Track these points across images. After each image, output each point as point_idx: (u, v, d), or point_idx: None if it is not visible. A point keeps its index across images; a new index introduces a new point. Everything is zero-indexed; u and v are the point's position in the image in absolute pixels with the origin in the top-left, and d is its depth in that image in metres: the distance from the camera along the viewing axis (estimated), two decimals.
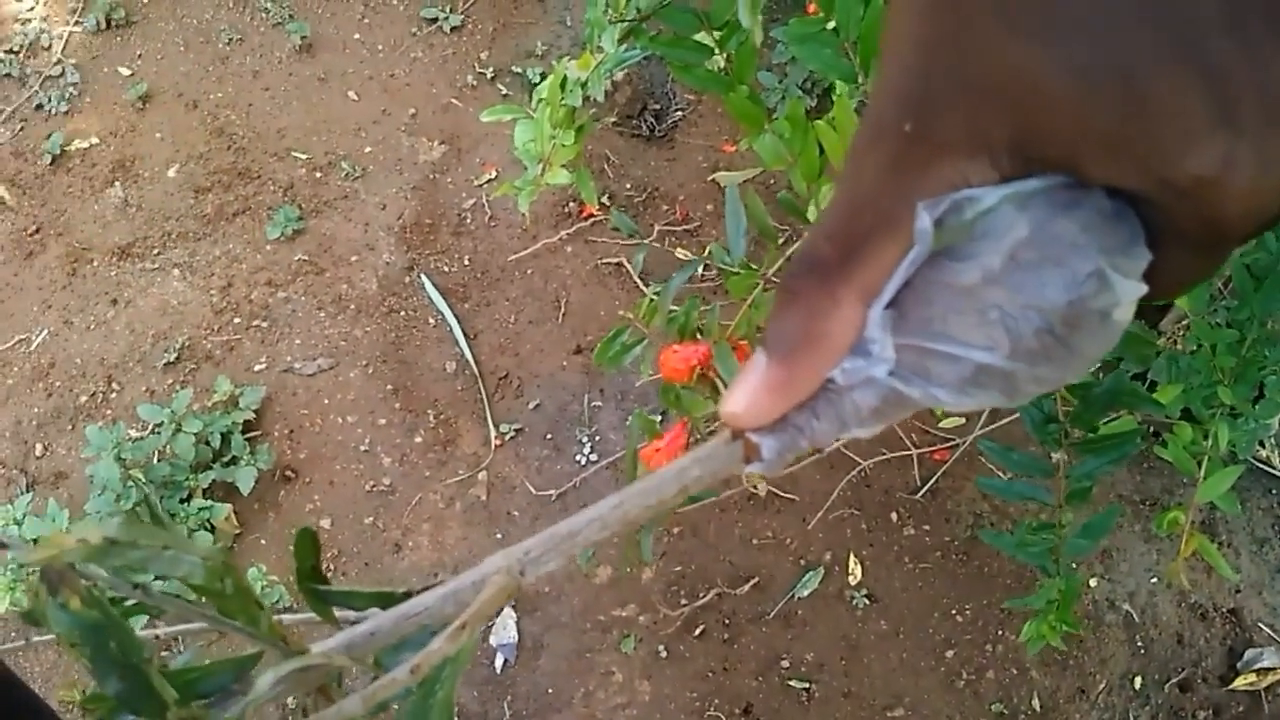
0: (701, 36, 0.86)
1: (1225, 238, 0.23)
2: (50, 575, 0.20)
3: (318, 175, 2.35)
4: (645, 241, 1.00)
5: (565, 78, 0.97)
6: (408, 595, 0.27)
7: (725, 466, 0.29)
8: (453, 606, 0.26)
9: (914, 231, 0.24)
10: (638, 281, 2.16)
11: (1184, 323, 1.40)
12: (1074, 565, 0.94)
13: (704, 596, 1.86)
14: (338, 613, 0.31)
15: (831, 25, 0.76)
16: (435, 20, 2.57)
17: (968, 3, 0.22)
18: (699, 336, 0.88)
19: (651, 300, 0.91)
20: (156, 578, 0.22)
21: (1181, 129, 0.21)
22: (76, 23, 2.56)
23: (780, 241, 0.92)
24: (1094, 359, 0.25)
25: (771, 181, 2.19)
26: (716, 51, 0.86)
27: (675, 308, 0.91)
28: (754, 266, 0.93)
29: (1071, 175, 0.23)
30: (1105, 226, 0.24)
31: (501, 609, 1.85)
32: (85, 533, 0.19)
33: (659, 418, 1.71)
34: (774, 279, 0.93)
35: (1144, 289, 0.24)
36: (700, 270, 0.95)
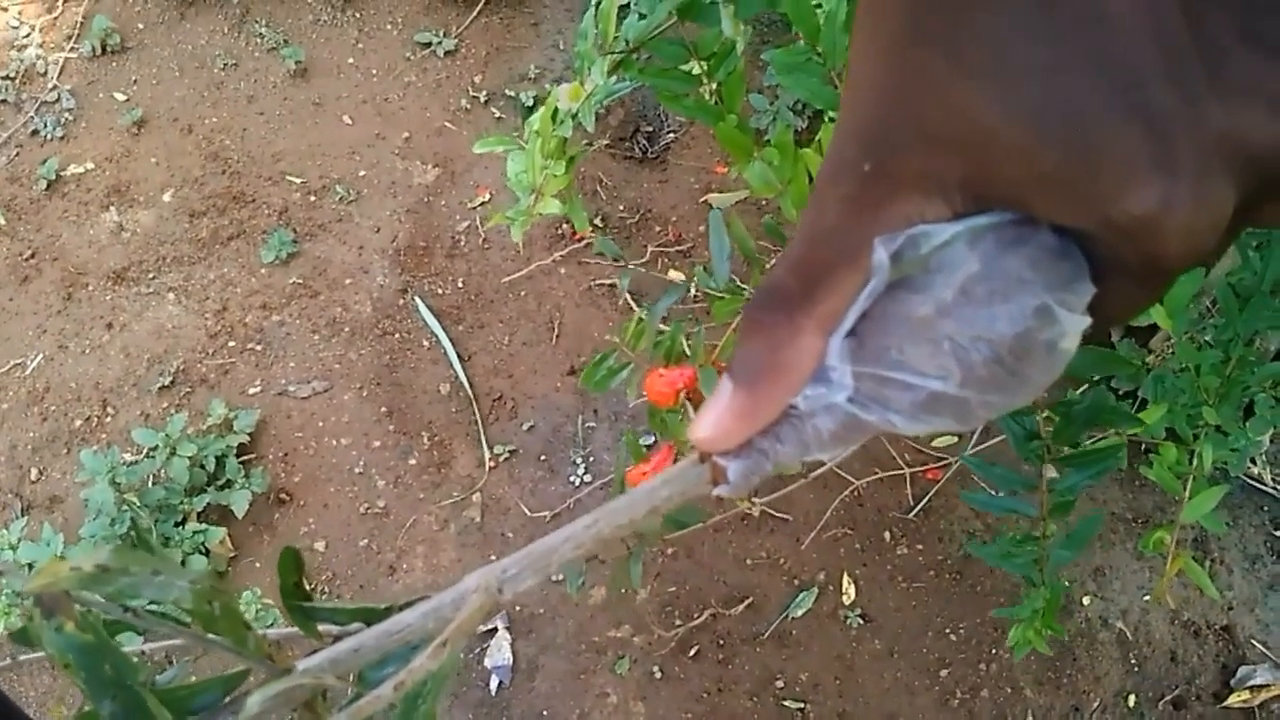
0: (690, 66, 0.87)
1: (1164, 272, 0.24)
2: (45, 600, 0.21)
3: (312, 199, 2.36)
4: (632, 265, 1.01)
5: (556, 109, 0.98)
6: (389, 611, 0.28)
7: (694, 487, 0.30)
8: (434, 623, 0.27)
9: (872, 265, 0.25)
10: (629, 303, 2.18)
11: (1172, 341, 1.41)
12: (1060, 577, 0.96)
13: (698, 617, 1.86)
14: (321, 627, 0.31)
15: (818, 53, 0.78)
16: (429, 44, 2.59)
17: (923, 50, 0.23)
18: (685, 360, 0.89)
19: (639, 323, 0.92)
20: (149, 602, 0.23)
21: (1123, 172, 0.22)
22: (72, 48, 2.58)
23: (767, 265, 0.93)
24: (1042, 386, 0.27)
25: (764, 203, 2.21)
26: (705, 80, 0.87)
27: (664, 328, 0.92)
28: (741, 285, 0.94)
29: (1020, 212, 0.24)
30: (1051, 263, 0.25)
31: (481, 624, 1.85)
32: (79, 560, 0.20)
33: (652, 439, 1.72)
34: None
35: (1088, 321, 0.26)
36: (691, 292, 0.96)
